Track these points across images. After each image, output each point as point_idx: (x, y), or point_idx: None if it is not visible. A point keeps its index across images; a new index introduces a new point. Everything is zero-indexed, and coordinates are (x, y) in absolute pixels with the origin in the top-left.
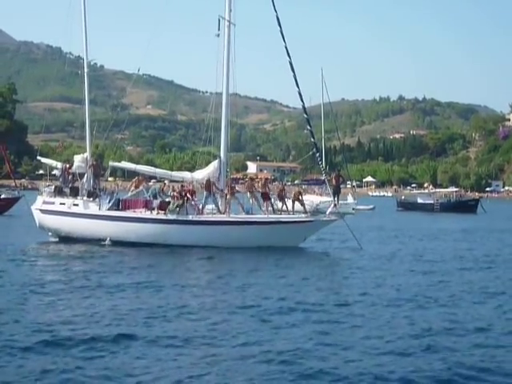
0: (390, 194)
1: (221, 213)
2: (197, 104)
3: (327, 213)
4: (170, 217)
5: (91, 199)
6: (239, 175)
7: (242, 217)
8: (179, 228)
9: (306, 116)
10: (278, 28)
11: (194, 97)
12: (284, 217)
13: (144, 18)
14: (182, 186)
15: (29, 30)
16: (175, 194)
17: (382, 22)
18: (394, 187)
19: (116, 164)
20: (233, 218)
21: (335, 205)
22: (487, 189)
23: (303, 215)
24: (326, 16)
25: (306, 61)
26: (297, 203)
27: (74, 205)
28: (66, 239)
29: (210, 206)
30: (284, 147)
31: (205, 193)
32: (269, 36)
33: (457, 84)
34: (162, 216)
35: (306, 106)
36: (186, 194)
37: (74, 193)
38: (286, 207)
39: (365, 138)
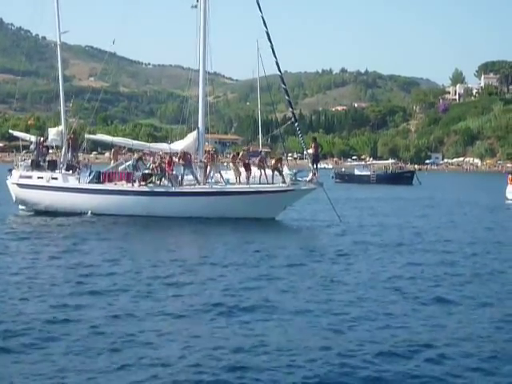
0: (330, 166)
1: (199, 183)
2: (139, 76)
3: (306, 181)
4: (152, 189)
5: (70, 172)
6: None
7: (224, 187)
8: (161, 200)
9: (283, 86)
10: None
11: (136, 69)
12: (264, 186)
13: None
14: (162, 157)
15: None
16: (154, 166)
17: None
18: (335, 159)
19: (92, 136)
20: (214, 188)
21: (314, 173)
22: (427, 161)
23: (283, 184)
24: None
25: (247, 32)
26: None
27: (53, 178)
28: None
29: (188, 177)
30: (226, 119)
31: (182, 164)
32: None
33: (399, 57)
34: (143, 188)
35: (247, 78)
36: (165, 166)
37: (52, 167)
38: (265, 177)
39: (307, 110)
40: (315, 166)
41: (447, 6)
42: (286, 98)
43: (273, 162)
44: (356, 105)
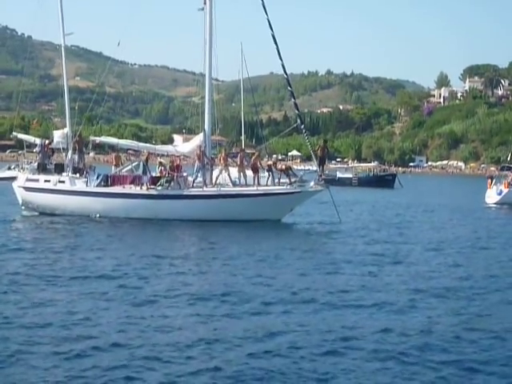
0: (314, 168)
1: (206, 185)
2: (125, 76)
3: (313, 183)
4: (160, 192)
5: (78, 175)
6: None
7: (232, 190)
8: (169, 203)
9: (290, 89)
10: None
11: (122, 69)
12: (272, 188)
13: None
14: (172, 160)
15: None
16: (163, 168)
17: None
18: None
19: (97, 138)
20: (223, 191)
21: (320, 175)
22: (411, 164)
23: (290, 186)
24: None
25: (231, 35)
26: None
27: (60, 182)
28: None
29: (198, 179)
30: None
31: (197, 164)
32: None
33: (385, 59)
34: (152, 191)
35: (232, 79)
36: (174, 169)
37: (59, 169)
38: (273, 180)
39: (292, 112)
40: (321, 168)
41: (432, 10)
42: (293, 100)
43: (282, 166)
44: (341, 107)
